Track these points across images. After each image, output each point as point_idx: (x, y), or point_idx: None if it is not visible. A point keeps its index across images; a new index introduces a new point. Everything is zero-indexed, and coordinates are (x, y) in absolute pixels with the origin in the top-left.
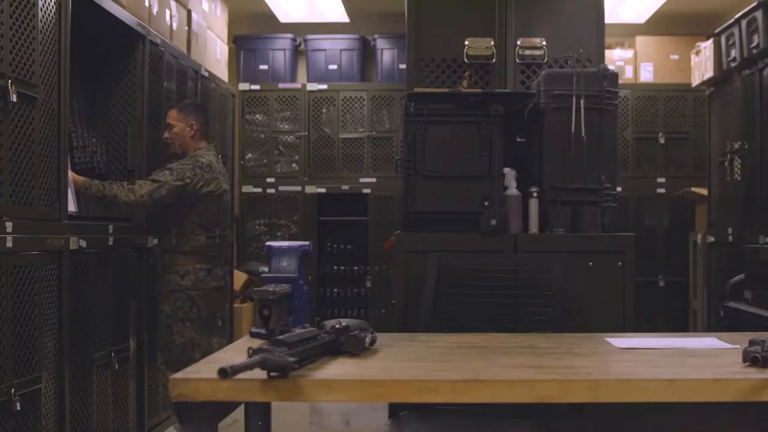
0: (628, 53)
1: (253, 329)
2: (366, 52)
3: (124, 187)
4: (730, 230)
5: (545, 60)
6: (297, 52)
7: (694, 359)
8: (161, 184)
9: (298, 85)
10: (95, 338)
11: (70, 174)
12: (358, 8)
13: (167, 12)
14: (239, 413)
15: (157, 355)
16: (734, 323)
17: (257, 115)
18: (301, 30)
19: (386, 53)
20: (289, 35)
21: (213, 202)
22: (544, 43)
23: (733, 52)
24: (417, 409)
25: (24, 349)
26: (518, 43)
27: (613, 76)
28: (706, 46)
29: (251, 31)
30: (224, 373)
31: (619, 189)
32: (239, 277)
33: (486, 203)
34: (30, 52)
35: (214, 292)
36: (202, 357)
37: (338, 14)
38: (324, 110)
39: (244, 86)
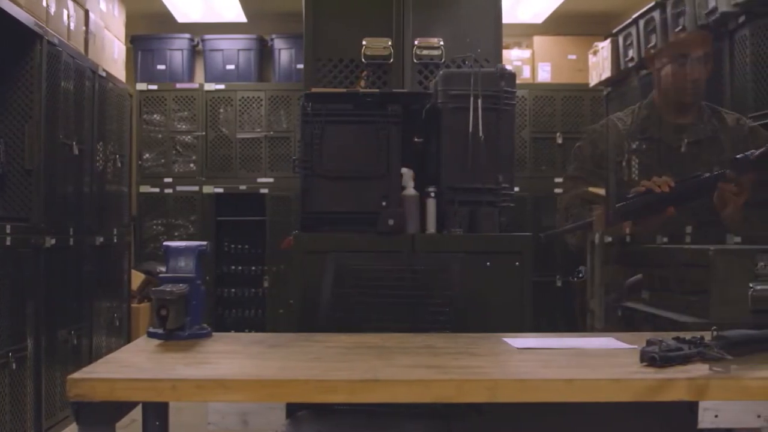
0: (526, 53)
1: (151, 329)
2: (263, 52)
3: None
4: (627, 230)
5: (443, 60)
6: (194, 52)
7: (592, 359)
8: None
9: (195, 85)
10: None
11: None
12: (255, 8)
13: (65, 12)
14: (137, 413)
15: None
16: (632, 323)
17: (155, 115)
18: (198, 30)
19: (284, 53)
20: (187, 35)
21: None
22: (442, 43)
23: (631, 52)
24: (314, 408)
25: None
26: (416, 43)
27: (511, 76)
28: (604, 46)
29: (149, 31)
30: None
31: (516, 189)
32: (137, 277)
33: (384, 203)
34: None
35: None
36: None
37: (235, 14)
38: (221, 110)
39: (141, 86)
